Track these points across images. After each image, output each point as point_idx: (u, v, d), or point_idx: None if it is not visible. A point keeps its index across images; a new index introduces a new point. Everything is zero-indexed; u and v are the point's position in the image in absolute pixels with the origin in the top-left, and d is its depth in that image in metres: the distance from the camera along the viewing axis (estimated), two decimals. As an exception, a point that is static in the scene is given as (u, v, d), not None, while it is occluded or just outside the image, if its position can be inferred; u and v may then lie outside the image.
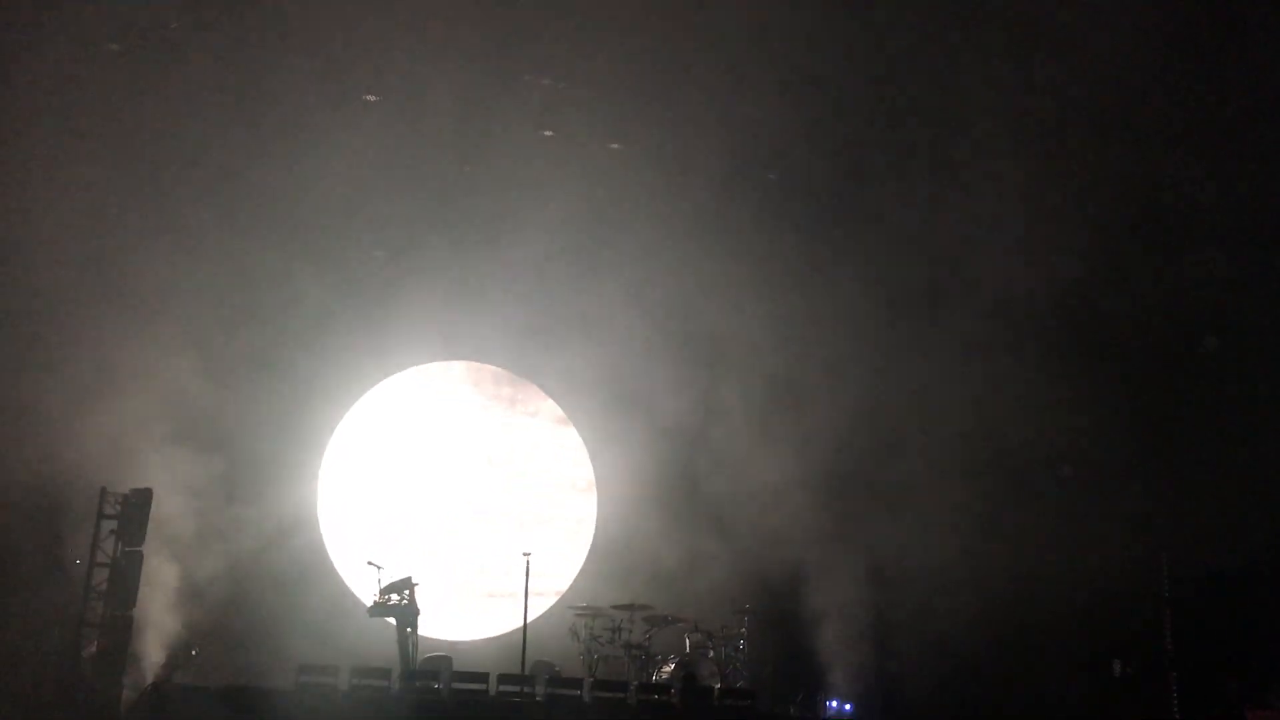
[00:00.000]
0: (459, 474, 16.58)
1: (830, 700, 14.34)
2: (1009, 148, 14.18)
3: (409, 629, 12.94)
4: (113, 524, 12.55)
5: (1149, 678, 14.35)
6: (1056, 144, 14.41)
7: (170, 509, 13.04)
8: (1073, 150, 14.37)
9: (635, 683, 13.43)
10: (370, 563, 13.35)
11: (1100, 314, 14.68)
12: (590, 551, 16.82)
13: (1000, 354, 14.63)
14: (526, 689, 12.76)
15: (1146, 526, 14.57)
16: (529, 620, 13.73)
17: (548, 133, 15.18)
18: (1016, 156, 14.17)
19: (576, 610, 14.64)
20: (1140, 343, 14.79)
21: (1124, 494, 14.83)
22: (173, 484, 13.14)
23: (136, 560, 12.42)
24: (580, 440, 17.25)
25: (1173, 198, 14.36)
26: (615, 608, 14.34)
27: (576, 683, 13.06)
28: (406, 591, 13.00)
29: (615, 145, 15.37)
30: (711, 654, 14.28)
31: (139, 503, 12.56)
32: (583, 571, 16.62)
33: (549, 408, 17.29)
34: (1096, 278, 14.73)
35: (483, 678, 12.71)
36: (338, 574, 15.70)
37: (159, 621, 12.67)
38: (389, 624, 13.21)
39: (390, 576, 13.10)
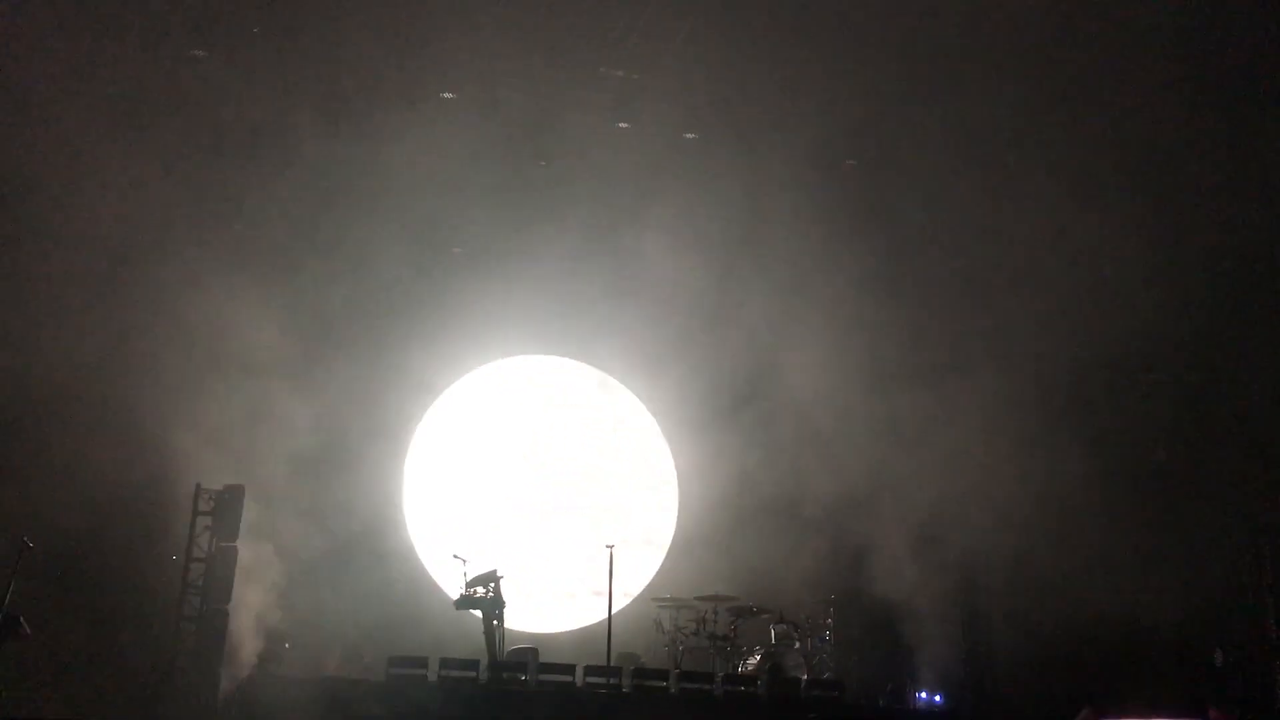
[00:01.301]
0: (543, 467, 16.69)
1: (920, 692, 14.12)
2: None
3: (495, 621, 13.02)
4: (207, 520, 12.84)
5: (1251, 667, 13.89)
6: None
7: (263, 504, 13.28)
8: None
9: (721, 674, 13.37)
10: (455, 556, 13.46)
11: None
12: (673, 543, 16.80)
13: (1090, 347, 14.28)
14: (613, 680, 12.77)
15: (1247, 512, 14.10)
16: (613, 612, 13.74)
17: (623, 125, 15.13)
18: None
19: (660, 602, 14.63)
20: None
21: (1221, 479, 14.38)
22: (265, 479, 13.37)
23: (231, 555, 12.68)
24: (660, 431, 17.24)
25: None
26: (699, 599, 14.30)
27: (663, 674, 13.04)
28: (492, 584, 13.08)
29: (690, 135, 15.26)
30: (798, 645, 14.16)
31: (232, 499, 12.83)
32: (666, 563, 16.62)
33: (630, 400, 17.31)
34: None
35: (569, 669, 12.75)
36: (423, 566, 15.89)
37: (253, 615, 12.92)
38: (475, 616, 13.30)
39: (475, 569, 13.19)
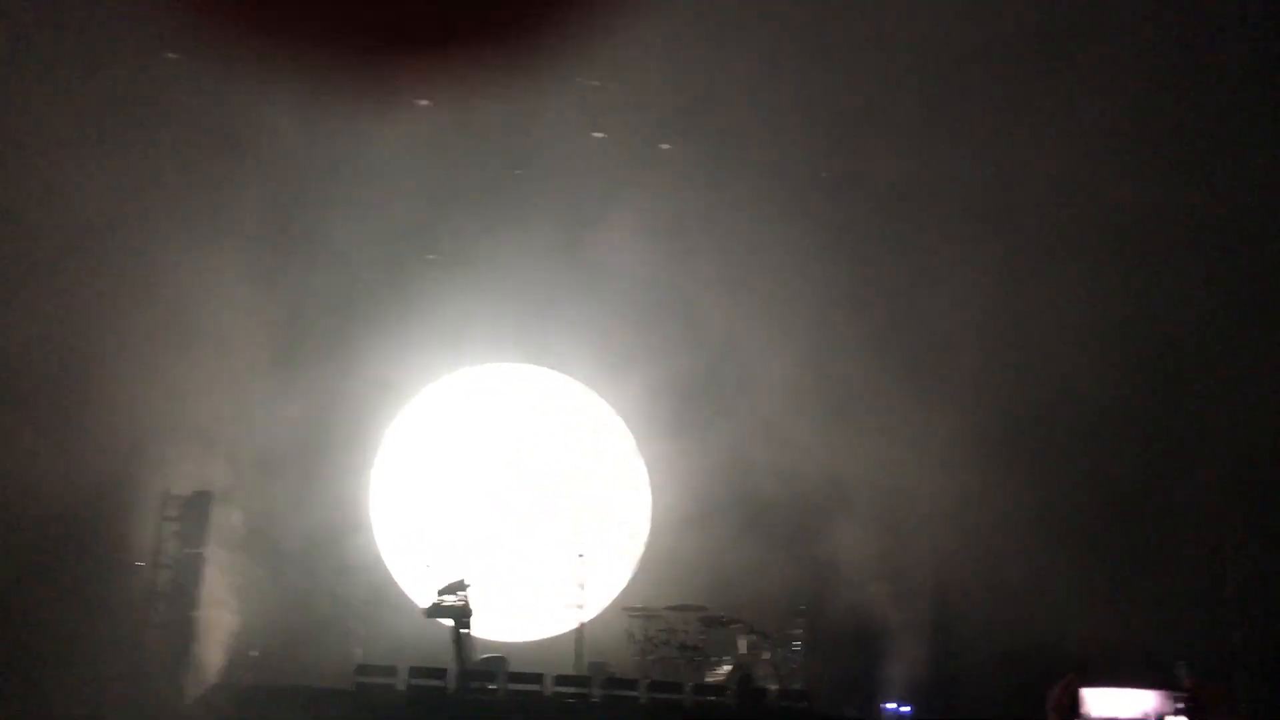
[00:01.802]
0: (514, 475, 16.62)
1: (887, 702, 14.16)
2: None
3: (464, 630, 12.99)
4: (174, 526, 12.75)
5: (1213, 679, 14.00)
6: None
7: (230, 511, 13.20)
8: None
9: (691, 684, 13.36)
10: (425, 564, 13.43)
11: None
12: (644, 554, 16.77)
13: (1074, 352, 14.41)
14: (582, 689, 12.75)
15: (1208, 529, 14.22)
16: (584, 621, 13.72)
17: (598, 134, 15.16)
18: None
19: (631, 612, 14.61)
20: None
21: (1183, 497, 14.51)
22: (233, 486, 13.30)
23: (198, 562, 12.61)
24: (635, 444, 17.22)
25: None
26: (670, 609, 14.30)
27: (632, 684, 13.03)
28: (461, 593, 13.05)
29: (666, 146, 15.31)
30: (767, 655, 14.18)
31: (200, 505, 12.76)
32: (637, 573, 16.58)
33: (603, 411, 17.27)
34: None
35: (538, 678, 12.73)
36: (392, 575, 15.81)
37: (220, 622, 12.82)
38: (444, 625, 13.26)
39: (445, 578, 13.15)
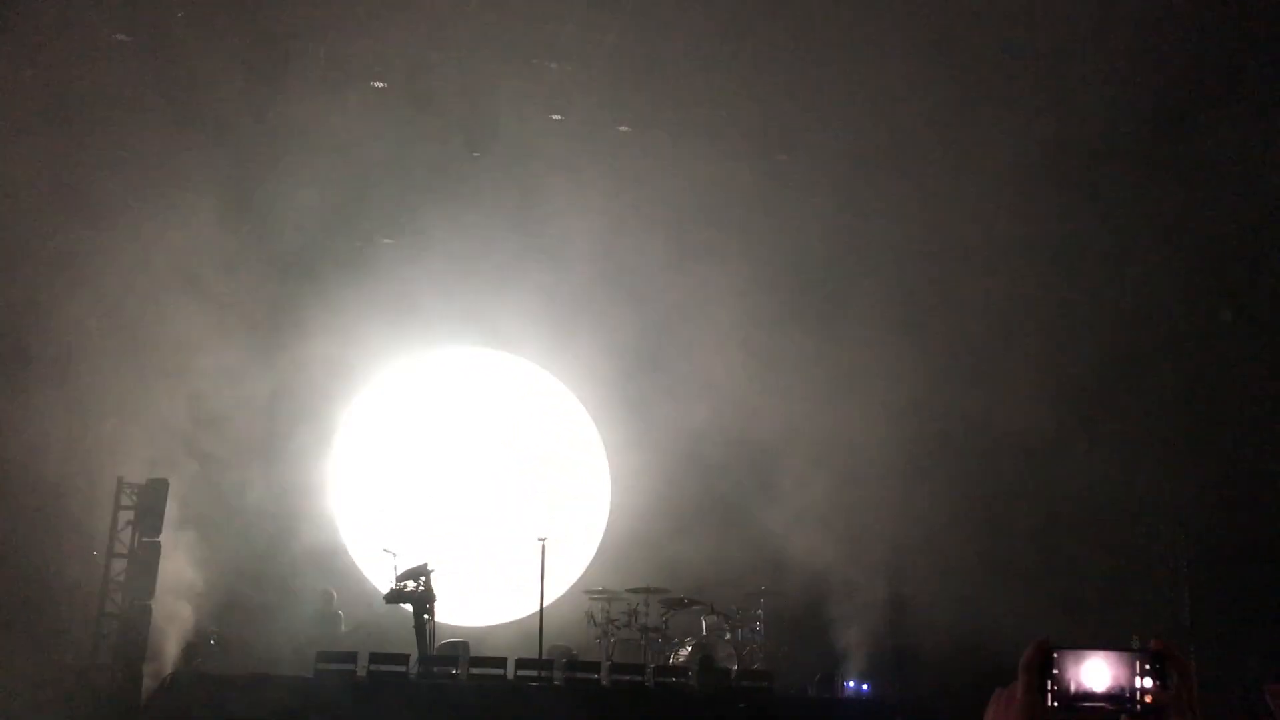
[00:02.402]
0: (472, 460, 16.60)
1: (847, 680, 14.33)
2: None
3: (425, 615, 12.96)
4: (129, 514, 12.60)
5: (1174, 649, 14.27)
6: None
7: (186, 498, 13.06)
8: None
9: (652, 665, 13.44)
10: (385, 550, 13.38)
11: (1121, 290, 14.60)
12: (605, 536, 16.84)
13: (1000, 341, 14.60)
14: (544, 673, 12.78)
15: (1164, 500, 14.51)
16: (545, 605, 13.74)
17: (556, 116, 15.09)
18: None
19: (592, 594, 14.66)
20: (1158, 315, 14.72)
21: (1141, 467, 14.77)
22: (188, 472, 13.16)
23: (154, 551, 12.47)
24: (594, 424, 17.26)
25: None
26: (631, 591, 14.35)
27: (594, 666, 13.08)
28: (423, 578, 13.02)
29: (624, 128, 15.28)
30: (728, 636, 14.30)
31: (156, 493, 12.62)
32: (598, 556, 16.65)
33: (561, 392, 17.29)
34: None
35: (500, 662, 12.73)
36: (353, 560, 15.74)
37: (177, 611, 12.71)
38: (406, 610, 13.22)
39: (405, 563, 13.10)
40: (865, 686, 14.37)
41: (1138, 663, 1.88)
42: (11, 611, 12.28)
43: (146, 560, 12.43)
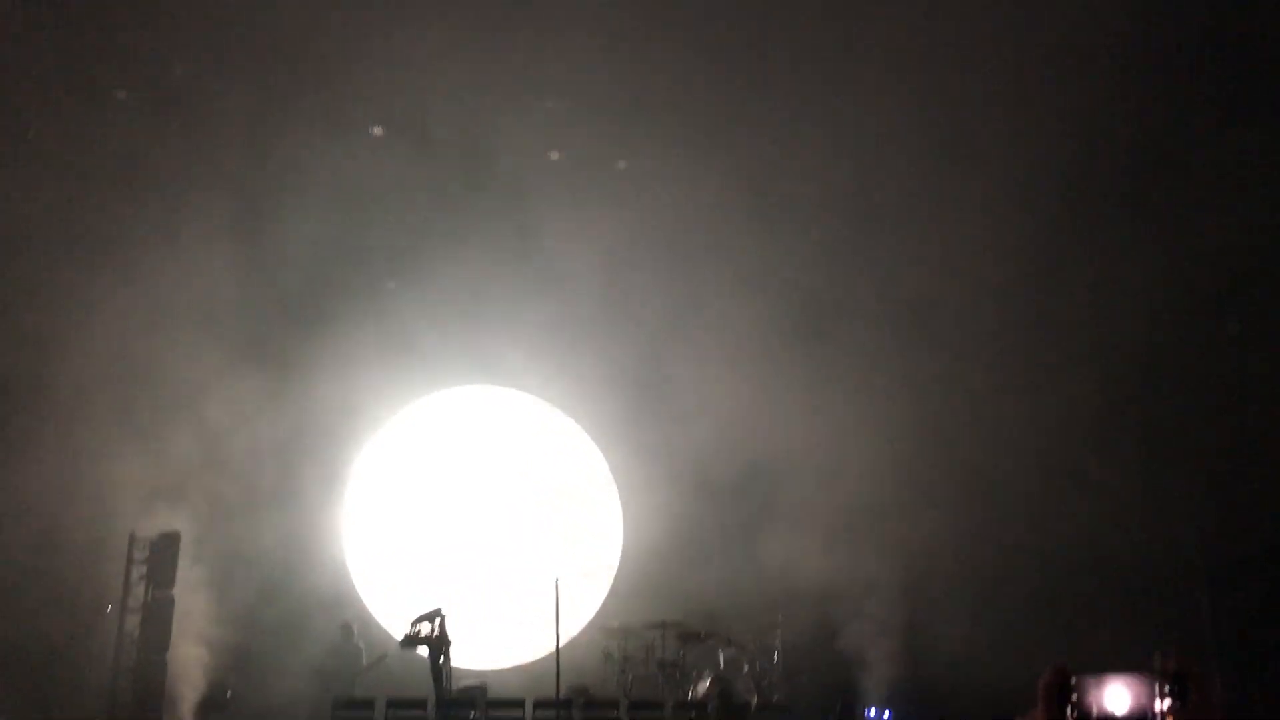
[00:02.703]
0: (483, 500, 16.56)
1: (869, 708, 14.21)
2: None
3: (441, 659, 12.87)
4: (142, 569, 12.57)
5: (1189, 665, 14.14)
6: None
7: (198, 550, 13.04)
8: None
9: (671, 701, 13.34)
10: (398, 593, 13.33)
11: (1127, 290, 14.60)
12: (618, 571, 16.76)
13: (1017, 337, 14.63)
14: (563, 713, 12.69)
15: (1182, 510, 14.44)
16: (561, 644, 13.66)
17: (554, 154, 15.18)
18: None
19: (608, 631, 14.57)
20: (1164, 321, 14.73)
21: (1158, 479, 14.73)
22: (200, 525, 13.14)
23: (168, 604, 12.43)
24: (604, 458, 17.22)
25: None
26: (647, 626, 14.26)
27: (612, 704, 12.99)
28: (437, 621, 12.94)
29: (622, 164, 15.36)
30: (746, 668, 14.19)
31: (168, 546, 12.60)
32: (612, 592, 16.56)
33: (570, 427, 17.26)
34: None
35: (518, 704, 12.67)
36: (366, 607, 15.67)
37: (193, 664, 12.66)
38: (421, 655, 13.14)
39: (420, 608, 13.04)
40: (888, 713, 14.25)
41: (1157, 684, 1.86)
42: (28, 667, 12.25)
43: (160, 614, 12.40)
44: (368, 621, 15.41)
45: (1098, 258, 14.59)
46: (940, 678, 14.46)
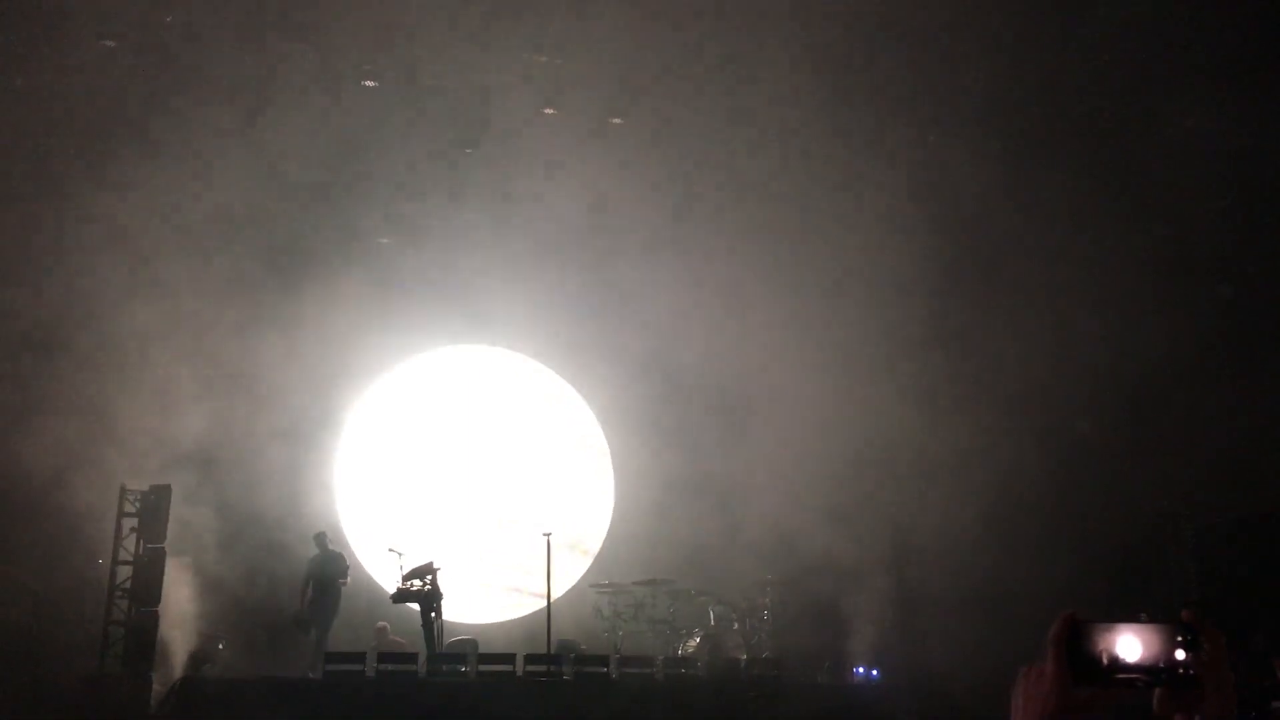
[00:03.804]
0: (475, 457, 16.58)
1: (857, 667, 14.33)
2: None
3: (433, 614, 12.93)
4: (133, 521, 12.57)
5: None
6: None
7: (189, 502, 13.04)
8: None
9: (661, 657, 13.43)
10: (391, 549, 13.36)
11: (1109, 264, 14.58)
12: (610, 529, 16.83)
13: (1006, 315, 14.60)
14: (553, 668, 12.76)
15: (1168, 477, 14.51)
16: (552, 600, 13.72)
17: (549, 110, 15.04)
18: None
19: (599, 588, 14.65)
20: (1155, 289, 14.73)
21: (1143, 445, 14.77)
22: (190, 478, 13.13)
23: (159, 557, 12.44)
24: (595, 416, 17.24)
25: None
26: (637, 584, 14.34)
27: (603, 660, 13.06)
28: (429, 576, 12.99)
29: (617, 120, 15.23)
30: (736, 626, 14.29)
31: (159, 499, 12.58)
32: (603, 549, 16.63)
33: (561, 385, 17.27)
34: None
35: (509, 659, 12.71)
36: (358, 560, 15.71)
37: (184, 616, 12.69)
38: (412, 610, 13.20)
39: (411, 562, 13.08)
40: (875, 672, 14.36)
41: (1173, 636, 1.84)
42: (19, 621, 12.27)
43: (151, 567, 12.40)
44: (360, 578, 15.46)
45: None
46: (928, 636, 14.57)
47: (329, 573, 13.78)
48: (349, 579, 14.01)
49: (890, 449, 14.50)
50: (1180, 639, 1.83)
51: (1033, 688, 1.86)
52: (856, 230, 14.83)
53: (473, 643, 13.54)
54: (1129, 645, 1.84)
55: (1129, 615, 2.00)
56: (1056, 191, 14.33)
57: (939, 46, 13.76)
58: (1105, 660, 1.83)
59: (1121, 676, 1.83)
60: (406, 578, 12.98)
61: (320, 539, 14.07)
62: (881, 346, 14.46)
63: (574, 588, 15.80)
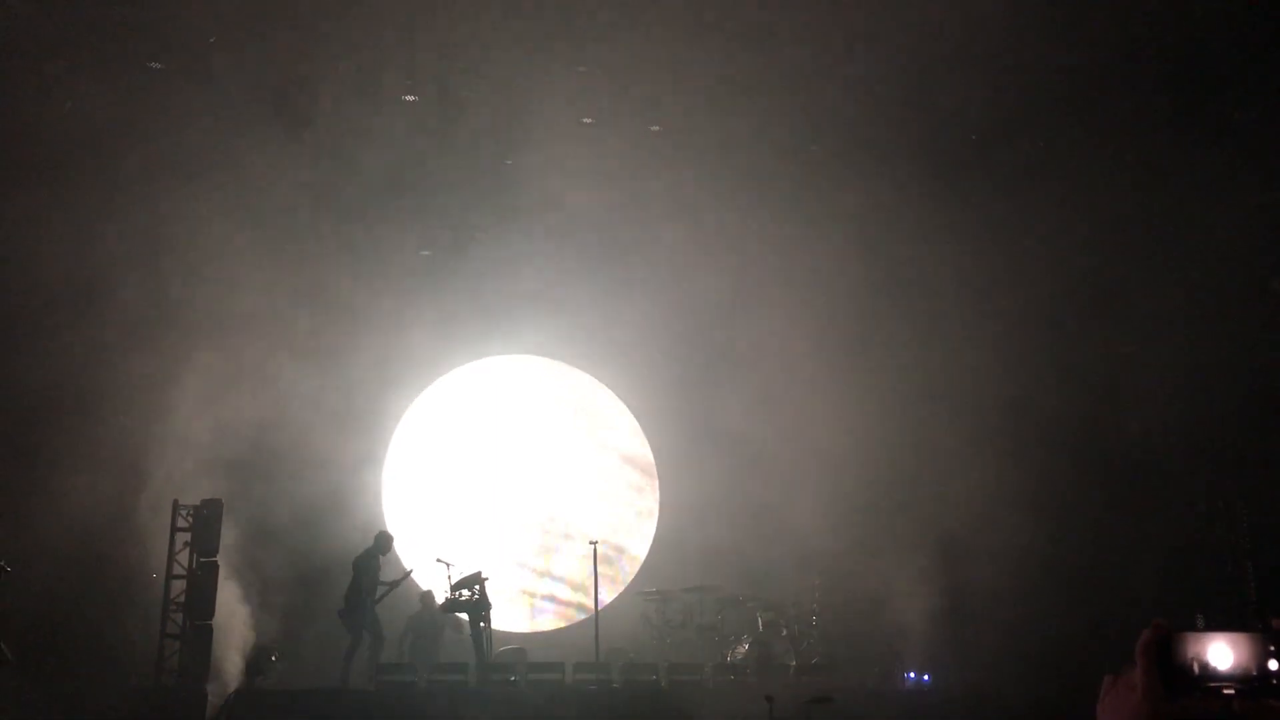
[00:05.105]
0: (523, 467, 16.63)
1: (908, 672, 14.19)
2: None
3: (482, 623, 12.98)
4: (186, 536, 12.72)
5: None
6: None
7: (240, 516, 13.17)
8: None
9: (710, 664, 13.39)
10: (439, 559, 13.42)
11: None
12: (656, 536, 16.80)
13: (1059, 326, 14.48)
14: (603, 676, 12.77)
15: (1222, 478, 14.28)
16: (600, 608, 13.73)
17: (587, 120, 15.08)
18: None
19: (646, 595, 14.63)
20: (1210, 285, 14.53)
21: (1193, 448, 14.57)
22: (242, 490, 13.26)
23: (212, 570, 12.56)
24: (640, 426, 17.24)
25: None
26: (685, 591, 14.32)
27: (652, 668, 13.05)
28: (477, 586, 13.04)
29: (656, 128, 15.25)
30: (785, 631, 14.21)
31: (211, 514, 12.71)
32: (651, 557, 16.61)
33: (606, 395, 17.28)
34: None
35: (558, 667, 12.74)
36: (407, 571, 15.77)
37: (238, 629, 12.81)
38: (462, 619, 13.25)
39: (460, 572, 13.14)
40: (926, 677, 14.22)
41: (1265, 645, 1.79)
42: (75, 635, 12.43)
43: (205, 580, 12.53)
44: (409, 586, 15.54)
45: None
46: (982, 643, 14.40)
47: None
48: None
49: (936, 451, 14.38)
50: (1273, 648, 1.78)
51: (1122, 699, 1.82)
52: (901, 235, 14.78)
53: (521, 651, 13.58)
54: (1220, 654, 1.80)
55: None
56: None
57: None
58: (1196, 669, 1.80)
59: (1212, 686, 1.80)
60: (455, 587, 13.03)
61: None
62: (935, 351, 14.39)
63: (622, 596, 15.79)
